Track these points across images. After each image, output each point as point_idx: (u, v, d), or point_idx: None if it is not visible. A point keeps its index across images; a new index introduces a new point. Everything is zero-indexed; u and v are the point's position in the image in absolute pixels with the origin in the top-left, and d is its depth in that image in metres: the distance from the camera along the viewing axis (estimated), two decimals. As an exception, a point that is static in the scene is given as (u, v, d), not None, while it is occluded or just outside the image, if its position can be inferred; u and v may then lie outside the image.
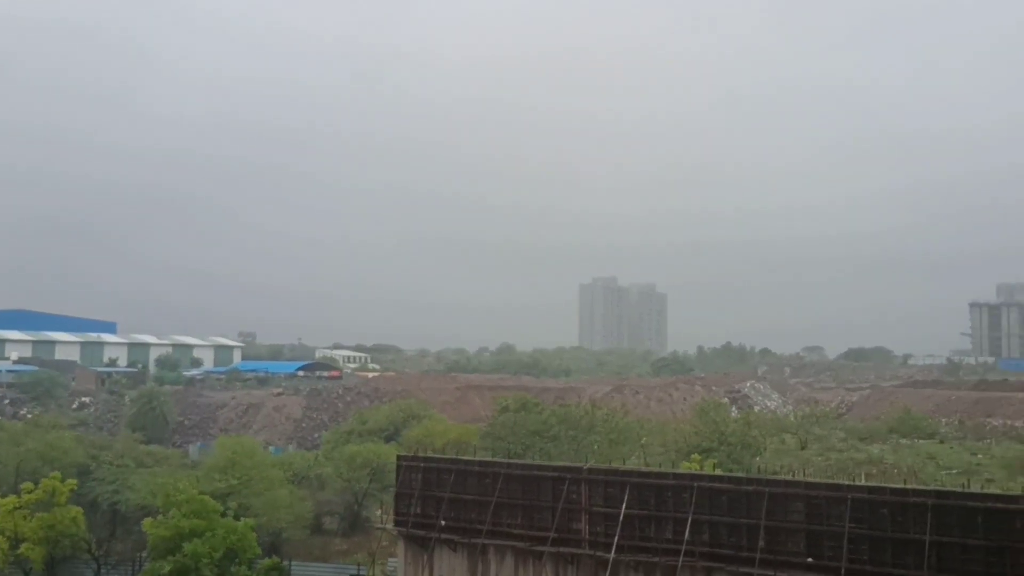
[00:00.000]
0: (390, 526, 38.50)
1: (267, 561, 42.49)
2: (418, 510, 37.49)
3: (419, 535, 37.21)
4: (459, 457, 39.81)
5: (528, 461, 44.33)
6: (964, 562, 27.53)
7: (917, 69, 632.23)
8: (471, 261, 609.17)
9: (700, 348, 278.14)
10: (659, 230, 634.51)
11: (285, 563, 43.75)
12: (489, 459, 43.90)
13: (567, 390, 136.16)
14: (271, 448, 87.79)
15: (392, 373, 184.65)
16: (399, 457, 40.23)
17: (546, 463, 42.04)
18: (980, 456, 79.39)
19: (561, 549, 34.12)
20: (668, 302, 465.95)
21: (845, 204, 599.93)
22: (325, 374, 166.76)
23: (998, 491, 38.14)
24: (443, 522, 36.61)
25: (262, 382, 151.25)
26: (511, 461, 40.04)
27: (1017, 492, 32.61)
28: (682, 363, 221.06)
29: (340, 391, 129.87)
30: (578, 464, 38.74)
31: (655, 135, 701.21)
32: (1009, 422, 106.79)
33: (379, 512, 43.68)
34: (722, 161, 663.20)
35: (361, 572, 42.37)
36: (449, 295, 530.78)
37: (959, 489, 32.50)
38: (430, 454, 41.72)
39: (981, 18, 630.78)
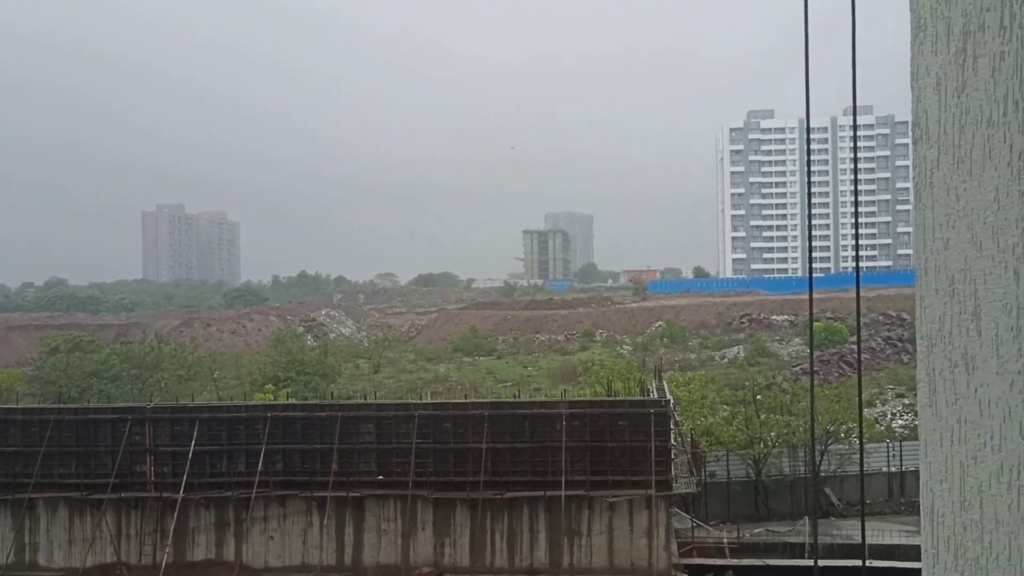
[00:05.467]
0: (-92, 492, 33.13)
1: None
2: (-55, 470, 32.71)
3: (-52, 499, 32.53)
4: (-3, 406, 35.32)
5: (84, 405, 40.85)
6: (514, 463, 30.74)
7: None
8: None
9: (275, 277, 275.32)
10: (228, 154, 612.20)
11: None
12: (36, 406, 39.76)
13: (130, 326, 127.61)
14: None
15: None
16: (-82, 412, 34.61)
17: (105, 405, 39.05)
18: (530, 368, 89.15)
19: (123, 495, 32.02)
20: (240, 231, 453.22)
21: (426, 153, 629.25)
22: None
23: (543, 398, 42.91)
24: (-22, 481, 32.34)
25: None
26: (62, 406, 36.43)
27: (557, 398, 36.92)
28: (256, 293, 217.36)
29: None
30: (142, 404, 36.48)
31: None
32: (554, 336, 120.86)
33: None
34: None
35: None
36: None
37: (511, 399, 36.08)
38: (-40, 406, 36.43)
39: None
